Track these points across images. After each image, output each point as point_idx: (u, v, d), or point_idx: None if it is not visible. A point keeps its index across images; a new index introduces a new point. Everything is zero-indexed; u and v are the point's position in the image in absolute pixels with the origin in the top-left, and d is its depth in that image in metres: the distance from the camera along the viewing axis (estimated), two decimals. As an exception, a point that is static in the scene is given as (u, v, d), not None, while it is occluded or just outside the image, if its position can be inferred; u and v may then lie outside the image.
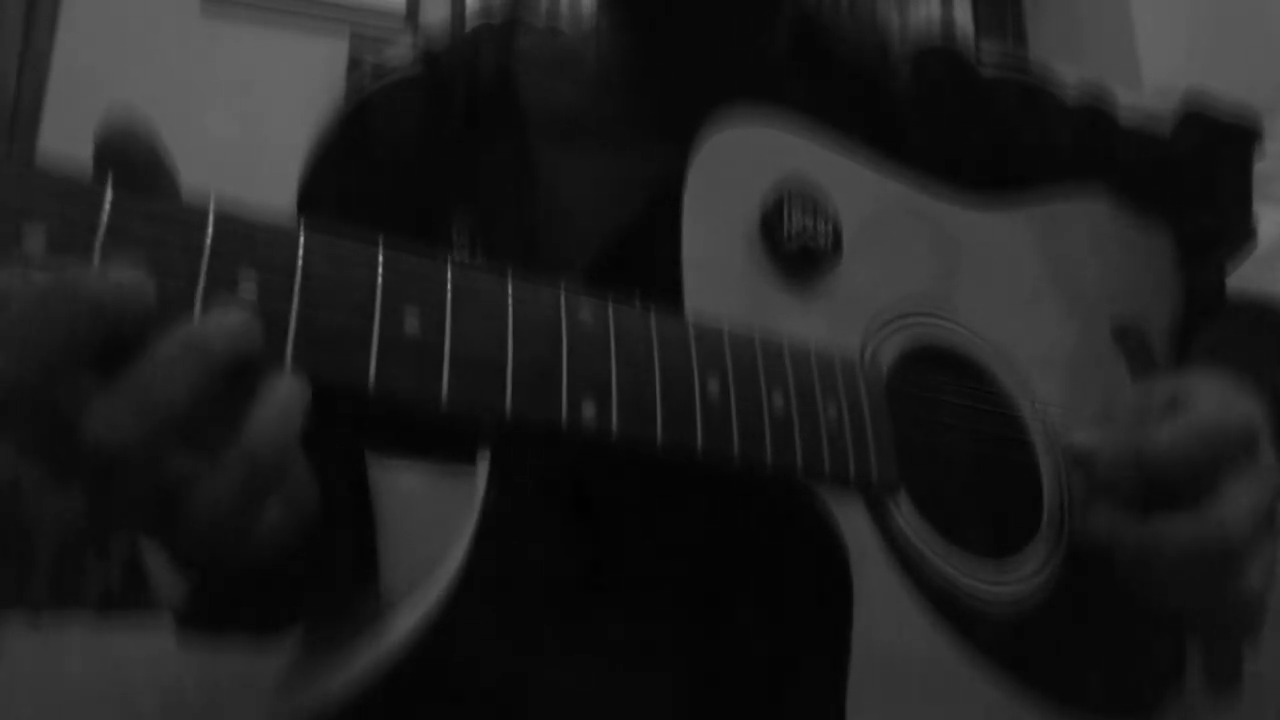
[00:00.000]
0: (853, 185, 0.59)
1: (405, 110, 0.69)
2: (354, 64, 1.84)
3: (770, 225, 0.53)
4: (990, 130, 0.74)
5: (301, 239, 0.36)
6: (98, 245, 0.32)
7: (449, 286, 0.39)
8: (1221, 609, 0.53)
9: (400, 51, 0.73)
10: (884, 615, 0.49)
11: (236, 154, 1.69)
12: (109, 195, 0.32)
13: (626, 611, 0.54)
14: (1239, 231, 0.72)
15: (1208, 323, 0.66)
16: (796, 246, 0.54)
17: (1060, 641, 0.56)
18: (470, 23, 0.75)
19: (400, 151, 0.68)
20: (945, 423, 0.58)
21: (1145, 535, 0.51)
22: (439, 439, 0.54)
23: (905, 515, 0.52)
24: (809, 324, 0.53)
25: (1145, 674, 0.58)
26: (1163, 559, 0.51)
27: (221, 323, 0.34)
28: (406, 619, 0.54)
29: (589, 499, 0.55)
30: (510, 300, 0.40)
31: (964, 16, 2.20)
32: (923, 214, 0.63)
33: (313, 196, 0.69)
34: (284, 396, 0.35)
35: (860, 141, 0.61)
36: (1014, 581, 0.55)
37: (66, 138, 1.69)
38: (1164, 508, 0.51)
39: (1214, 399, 0.54)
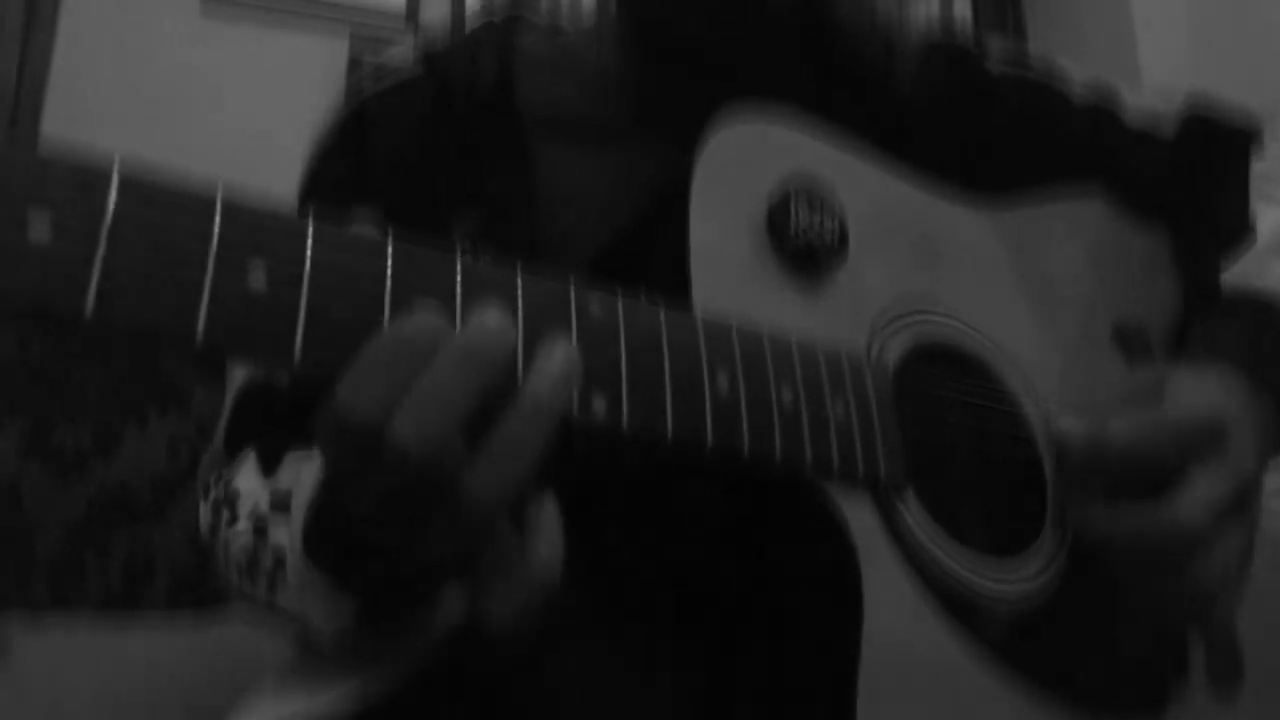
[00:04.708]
0: (859, 183, 0.58)
1: (405, 113, 0.68)
2: (354, 64, 1.84)
3: (776, 222, 0.53)
4: (998, 127, 0.73)
5: (310, 228, 0.36)
6: (104, 233, 0.31)
7: (459, 278, 0.38)
8: (1174, 596, 0.53)
9: (400, 53, 0.72)
10: (893, 613, 0.49)
11: (237, 154, 1.68)
12: (115, 181, 0.32)
13: (634, 610, 0.53)
14: (1236, 233, 0.72)
15: (1205, 317, 0.66)
16: (802, 243, 0.53)
17: (1066, 639, 0.56)
18: (471, 22, 0.75)
19: (400, 155, 0.67)
20: (951, 420, 0.57)
21: (1102, 523, 0.53)
22: None
23: (913, 513, 0.52)
24: (815, 320, 0.53)
25: (1150, 671, 0.58)
26: (1116, 548, 0.53)
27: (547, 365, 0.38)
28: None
29: (596, 496, 0.54)
30: (520, 293, 0.40)
31: (963, 14, 2.20)
32: (928, 213, 0.63)
33: (312, 201, 0.68)
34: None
35: (867, 139, 0.60)
36: (1020, 579, 0.55)
37: (67, 137, 1.69)
38: (1130, 498, 0.52)
39: (1188, 392, 0.55)
